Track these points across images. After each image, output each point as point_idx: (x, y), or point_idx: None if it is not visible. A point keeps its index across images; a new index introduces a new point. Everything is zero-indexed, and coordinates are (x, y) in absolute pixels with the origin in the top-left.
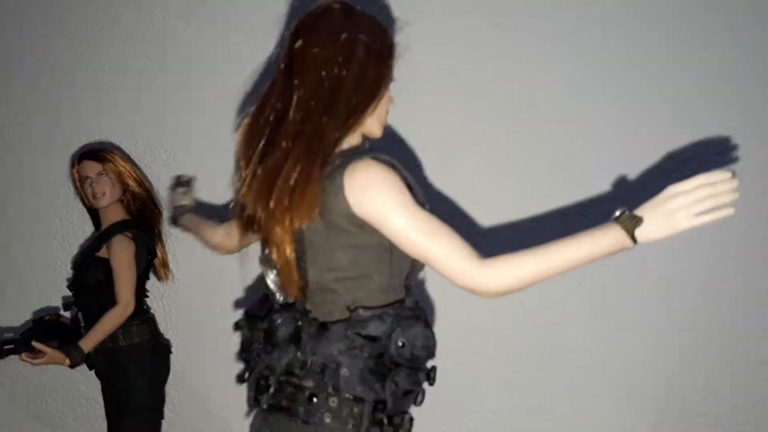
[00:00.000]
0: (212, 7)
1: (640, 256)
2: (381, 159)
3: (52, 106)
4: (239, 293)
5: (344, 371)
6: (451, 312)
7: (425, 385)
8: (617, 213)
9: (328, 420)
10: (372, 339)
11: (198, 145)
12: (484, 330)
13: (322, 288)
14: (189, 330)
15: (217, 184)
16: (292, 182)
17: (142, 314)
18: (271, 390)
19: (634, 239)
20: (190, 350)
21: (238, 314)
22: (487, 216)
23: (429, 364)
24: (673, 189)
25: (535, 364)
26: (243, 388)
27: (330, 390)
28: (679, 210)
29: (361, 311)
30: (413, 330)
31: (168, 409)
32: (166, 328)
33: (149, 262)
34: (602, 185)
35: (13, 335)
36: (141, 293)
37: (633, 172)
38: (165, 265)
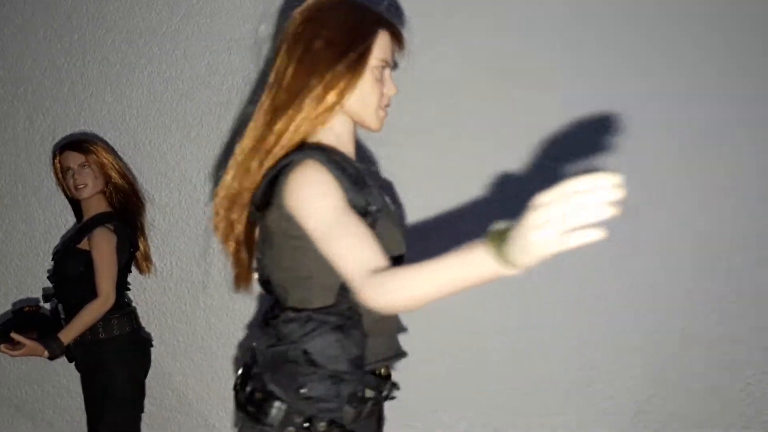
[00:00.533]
0: None
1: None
2: (318, 159)
3: (34, 96)
4: (222, 287)
5: (255, 369)
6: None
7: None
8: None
9: (251, 410)
10: (282, 340)
11: (181, 136)
12: (483, 329)
13: (277, 284)
14: (170, 323)
15: (199, 177)
16: (233, 173)
17: (123, 307)
18: None
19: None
20: (171, 344)
21: (221, 307)
22: (487, 215)
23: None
24: (537, 200)
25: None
26: (223, 382)
27: (248, 385)
28: (542, 228)
29: (290, 312)
30: (324, 338)
31: (148, 402)
32: (147, 322)
33: (131, 254)
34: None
35: None
36: (122, 286)
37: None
38: (147, 258)
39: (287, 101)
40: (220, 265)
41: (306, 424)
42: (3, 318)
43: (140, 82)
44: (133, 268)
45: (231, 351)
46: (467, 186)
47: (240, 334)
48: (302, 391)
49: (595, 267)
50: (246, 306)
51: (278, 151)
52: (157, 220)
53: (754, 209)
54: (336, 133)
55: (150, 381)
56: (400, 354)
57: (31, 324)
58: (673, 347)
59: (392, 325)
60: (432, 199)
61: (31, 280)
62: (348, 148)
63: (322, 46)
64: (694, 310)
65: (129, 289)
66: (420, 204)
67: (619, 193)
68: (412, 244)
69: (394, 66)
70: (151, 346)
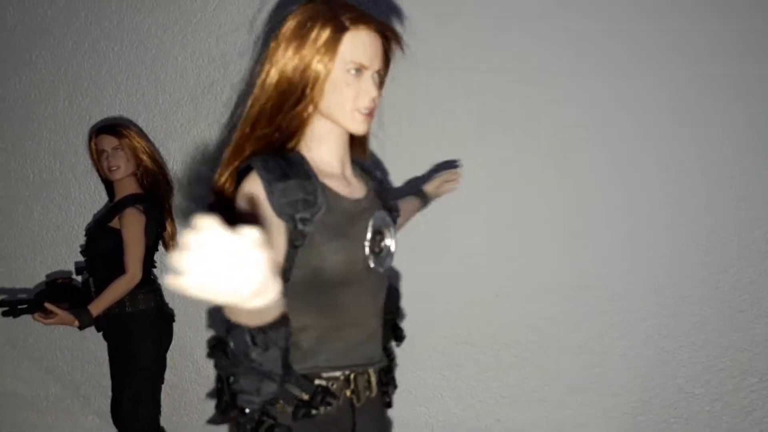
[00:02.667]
0: None
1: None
2: (256, 168)
3: (74, 77)
4: None
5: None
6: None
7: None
8: None
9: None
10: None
11: (211, 121)
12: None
13: None
14: (193, 301)
15: None
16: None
17: (149, 284)
18: None
19: None
20: (193, 318)
21: None
22: (489, 211)
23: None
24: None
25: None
26: None
27: None
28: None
29: None
30: (241, 336)
31: (170, 374)
32: (171, 298)
33: (159, 234)
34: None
35: (27, 296)
36: (149, 264)
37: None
38: (174, 238)
39: (258, 107)
40: None
41: (238, 414)
42: (38, 288)
43: (173, 67)
44: (160, 247)
45: None
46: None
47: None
48: (231, 380)
49: (599, 268)
50: None
51: (249, 154)
52: (183, 201)
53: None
54: (318, 135)
55: (172, 353)
56: (363, 364)
57: (63, 295)
58: (676, 351)
59: (354, 335)
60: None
61: (66, 252)
62: (333, 151)
63: (282, 53)
64: (699, 315)
65: (155, 267)
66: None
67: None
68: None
69: (385, 66)
70: (174, 321)
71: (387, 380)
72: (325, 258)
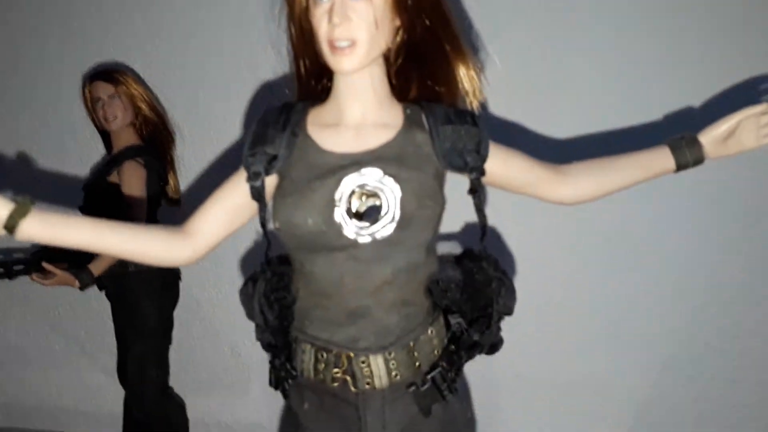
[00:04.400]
0: None
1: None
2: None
3: (65, 20)
4: (249, 221)
5: None
6: None
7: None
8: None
9: None
10: None
11: (211, 68)
12: None
13: None
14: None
15: (229, 110)
16: None
17: None
18: None
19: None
20: (199, 274)
21: (247, 242)
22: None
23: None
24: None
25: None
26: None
27: None
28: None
29: None
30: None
31: (177, 330)
32: None
33: (160, 189)
34: None
35: (23, 255)
36: (151, 220)
37: None
38: (177, 192)
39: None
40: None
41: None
42: (35, 248)
43: (171, 7)
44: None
45: None
46: None
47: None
48: None
49: (627, 217)
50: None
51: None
52: (186, 154)
53: None
54: (336, 79)
55: (179, 310)
56: (347, 347)
57: (62, 254)
58: (705, 306)
59: (332, 311)
60: None
61: (63, 208)
62: (340, 97)
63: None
64: (730, 269)
65: (158, 222)
66: None
67: None
68: None
69: None
70: (179, 279)
71: (421, 381)
72: (279, 215)
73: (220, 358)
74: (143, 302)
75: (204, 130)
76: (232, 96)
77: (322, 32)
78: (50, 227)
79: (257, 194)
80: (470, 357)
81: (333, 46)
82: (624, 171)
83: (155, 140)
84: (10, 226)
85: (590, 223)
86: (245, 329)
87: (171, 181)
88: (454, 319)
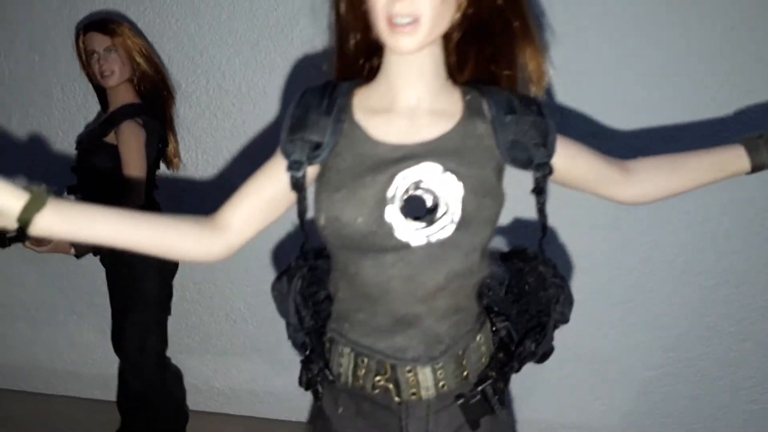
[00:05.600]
0: None
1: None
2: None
3: None
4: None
5: None
6: None
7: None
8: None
9: None
10: None
11: (210, 18)
12: None
13: None
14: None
15: (229, 64)
16: None
17: (150, 206)
18: None
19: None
20: None
21: None
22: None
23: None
24: None
25: None
26: (245, 278)
27: None
28: None
29: None
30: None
31: (173, 296)
32: None
33: (160, 150)
34: None
35: None
36: (150, 184)
37: None
38: (176, 154)
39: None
40: (246, 159)
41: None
42: None
43: None
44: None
45: (254, 247)
46: None
47: (265, 230)
48: None
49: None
50: None
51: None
52: (182, 110)
53: None
54: (386, 61)
55: (177, 281)
56: (393, 357)
57: None
58: (712, 289)
59: (377, 318)
60: None
61: (53, 166)
62: (392, 80)
63: None
64: (739, 252)
65: (157, 187)
66: None
67: None
68: None
69: None
70: None
71: (470, 393)
72: (325, 212)
73: (214, 323)
74: (140, 271)
75: (201, 85)
76: (234, 50)
77: (380, 6)
78: (70, 222)
79: (299, 185)
80: (521, 366)
81: (392, 23)
82: (695, 172)
83: (154, 98)
84: (24, 221)
85: (596, 202)
86: (241, 293)
87: (171, 143)
88: (500, 323)
